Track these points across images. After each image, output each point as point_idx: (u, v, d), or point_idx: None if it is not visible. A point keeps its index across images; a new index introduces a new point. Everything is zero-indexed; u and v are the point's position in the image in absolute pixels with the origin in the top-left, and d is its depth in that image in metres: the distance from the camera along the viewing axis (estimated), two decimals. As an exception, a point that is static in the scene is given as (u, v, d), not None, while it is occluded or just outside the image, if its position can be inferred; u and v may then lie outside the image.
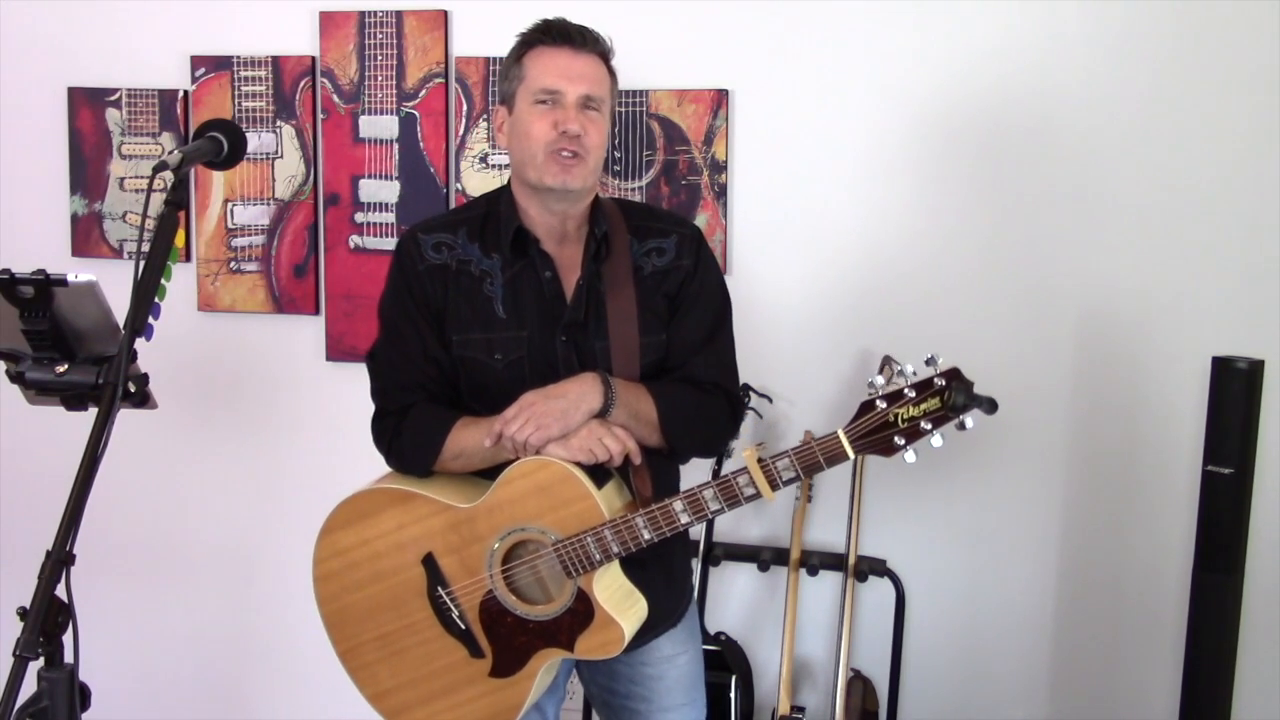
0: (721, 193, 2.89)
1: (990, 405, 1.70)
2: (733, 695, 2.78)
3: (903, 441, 1.73)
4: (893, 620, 2.89)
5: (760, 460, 1.78)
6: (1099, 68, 2.69)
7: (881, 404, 1.72)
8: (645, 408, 1.88)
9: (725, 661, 2.84)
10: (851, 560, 2.78)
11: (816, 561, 2.85)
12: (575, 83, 1.86)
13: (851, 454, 1.74)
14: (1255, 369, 2.33)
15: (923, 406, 1.71)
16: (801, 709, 2.82)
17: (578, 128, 1.85)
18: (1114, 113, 2.70)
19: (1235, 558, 2.36)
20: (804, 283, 2.89)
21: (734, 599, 3.01)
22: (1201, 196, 2.67)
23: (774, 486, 1.78)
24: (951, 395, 1.70)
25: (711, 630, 2.94)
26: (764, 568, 2.89)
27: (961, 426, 1.73)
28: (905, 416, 1.72)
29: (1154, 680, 2.76)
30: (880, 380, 1.74)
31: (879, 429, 1.73)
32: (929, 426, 1.72)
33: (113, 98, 3.20)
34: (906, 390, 1.72)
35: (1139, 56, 2.67)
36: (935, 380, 1.71)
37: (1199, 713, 2.39)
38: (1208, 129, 2.65)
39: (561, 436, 1.81)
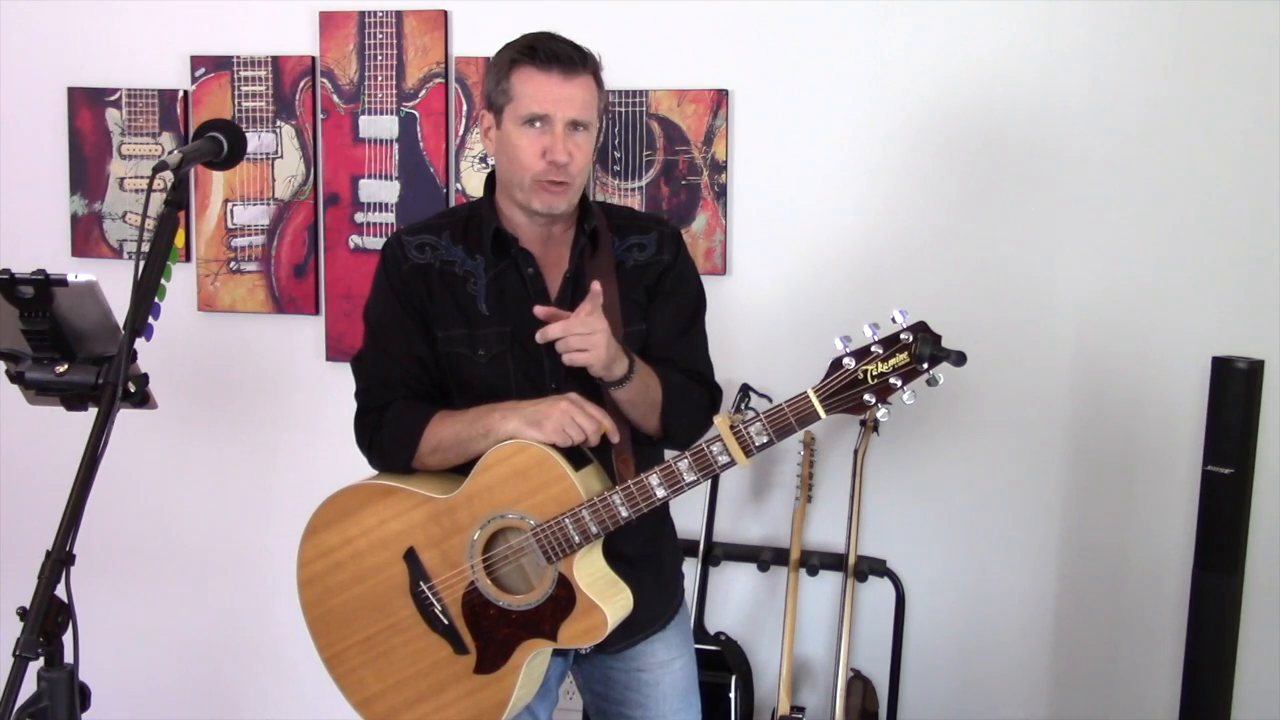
0: (721, 193, 2.89)
1: (959, 358, 1.67)
2: (733, 695, 2.78)
3: (873, 399, 1.71)
4: (893, 620, 2.89)
5: (733, 426, 1.77)
6: (1099, 66, 2.69)
7: (850, 361, 1.71)
8: (654, 388, 1.90)
9: (725, 661, 2.84)
10: (851, 560, 2.78)
11: (816, 561, 2.85)
12: (564, 107, 1.85)
13: (822, 413, 1.73)
14: (1255, 369, 2.33)
15: (891, 362, 1.70)
16: (801, 709, 2.82)
17: (565, 156, 1.85)
18: (1114, 112, 2.70)
19: (1235, 558, 2.36)
20: (803, 283, 2.89)
21: (734, 599, 3.01)
22: (1201, 197, 2.67)
23: (747, 452, 1.77)
24: (917, 347, 1.68)
25: (711, 630, 2.94)
26: (764, 568, 2.89)
27: (932, 382, 1.71)
28: (874, 373, 1.70)
29: (1154, 680, 2.76)
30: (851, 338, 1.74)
31: (848, 386, 1.72)
32: (898, 383, 1.70)
33: (113, 98, 3.20)
34: (874, 346, 1.70)
35: (1139, 56, 2.67)
36: (901, 335, 1.69)
37: (1199, 713, 2.39)
38: (1208, 129, 2.65)
39: (594, 360, 1.79)
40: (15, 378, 1.69)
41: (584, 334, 1.79)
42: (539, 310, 1.84)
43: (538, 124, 1.86)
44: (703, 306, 2.06)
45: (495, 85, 1.90)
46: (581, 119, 1.88)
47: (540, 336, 1.82)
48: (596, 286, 1.84)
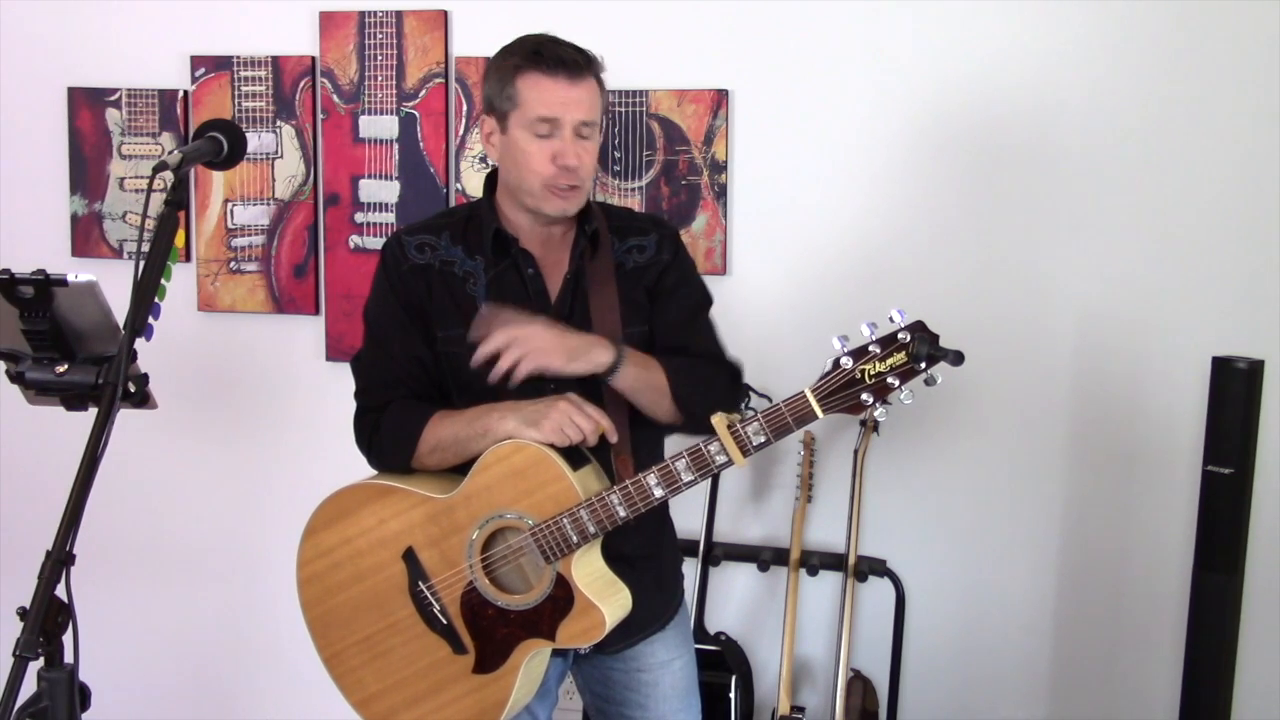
0: (721, 193, 2.89)
1: (956, 357, 1.67)
2: (733, 695, 2.78)
3: (870, 399, 1.71)
4: (893, 620, 2.89)
5: (730, 426, 1.77)
6: (1099, 67, 2.69)
7: (847, 361, 1.71)
8: (655, 374, 1.89)
9: (725, 661, 2.84)
10: (851, 560, 2.78)
11: (816, 561, 2.85)
12: (572, 110, 1.86)
13: (819, 413, 1.73)
14: (1255, 369, 2.33)
15: (889, 362, 1.69)
16: (801, 709, 2.82)
17: (576, 160, 1.87)
18: (1114, 112, 2.70)
19: (1235, 558, 2.36)
20: (803, 283, 2.89)
21: (734, 599, 3.01)
22: (1201, 197, 2.67)
23: (745, 452, 1.77)
24: (915, 347, 1.68)
25: (711, 630, 2.94)
26: (764, 568, 2.89)
27: (930, 381, 1.71)
28: (872, 373, 1.70)
29: (1154, 680, 2.76)
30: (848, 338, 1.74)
31: (846, 386, 1.72)
32: (895, 382, 1.70)
33: (113, 98, 3.20)
34: (871, 346, 1.70)
35: (1139, 56, 2.67)
36: (899, 334, 1.69)
37: (1199, 713, 2.39)
38: (1207, 129, 2.65)
39: (559, 362, 1.80)
40: (15, 378, 1.69)
41: (514, 339, 1.80)
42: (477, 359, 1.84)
43: (546, 129, 1.86)
44: (708, 300, 2.06)
45: (499, 91, 1.89)
46: (589, 120, 1.89)
47: (475, 360, 1.82)
48: (483, 309, 1.85)
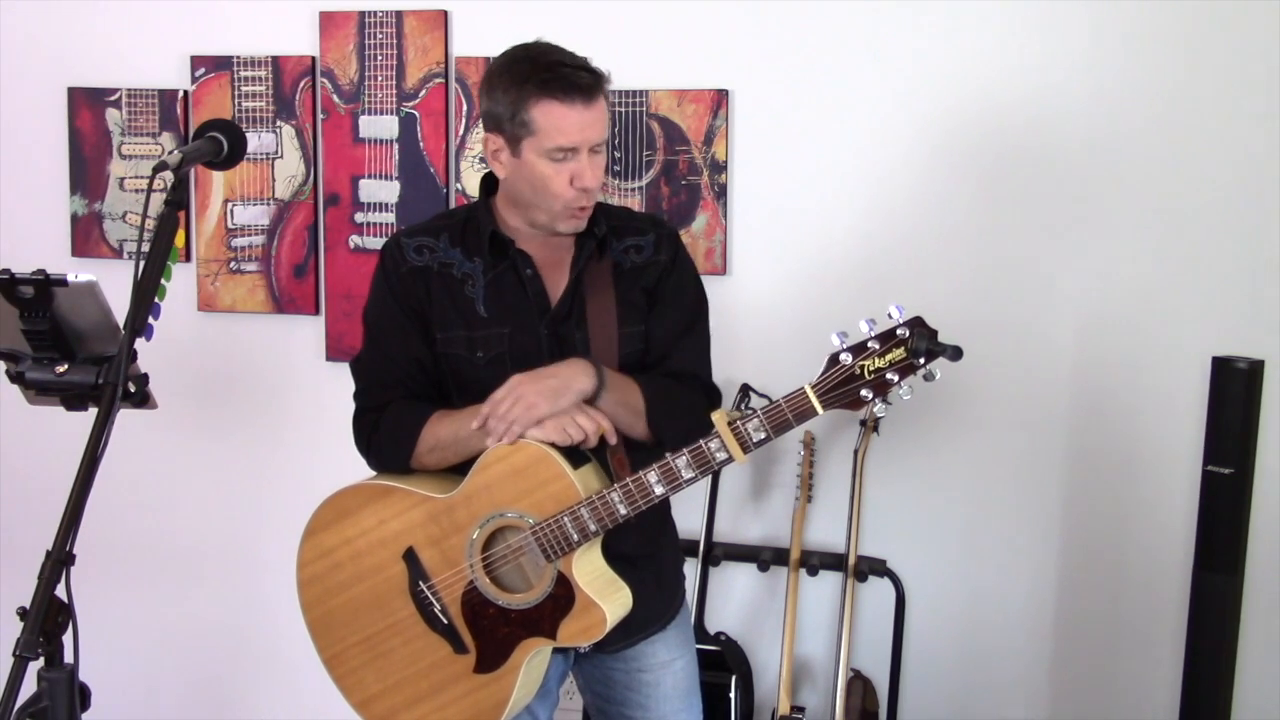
0: (721, 193, 2.89)
1: (955, 352, 1.68)
2: (732, 695, 2.78)
3: (870, 394, 1.72)
4: (893, 620, 2.89)
5: (731, 423, 1.78)
6: (1100, 67, 2.69)
7: (847, 357, 1.72)
8: (633, 395, 1.89)
9: (725, 662, 2.84)
10: (851, 560, 2.78)
11: (816, 561, 2.85)
12: (588, 134, 1.86)
13: (820, 409, 1.74)
14: (1255, 369, 2.34)
15: (888, 357, 1.71)
16: (801, 709, 2.82)
17: (594, 182, 1.88)
18: (1115, 113, 2.70)
19: (1235, 558, 2.36)
20: (804, 283, 2.89)
21: (734, 599, 3.01)
22: (1202, 197, 2.67)
23: (745, 449, 1.78)
24: (914, 342, 1.69)
25: (711, 630, 2.94)
26: (764, 568, 2.89)
27: (929, 377, 1.72)
28: (871, 368, 1.71)
29: (1154, 680, 2.76)
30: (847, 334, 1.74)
31: (845, 382, 1.73)
32: (895, 378, 1.71)
33: (113, 98, 3.20)
34: (870, 342, 1.71)
35: (1140, 57, 2.67)
36: (898, 330, 1.70)
37: (1199, 713, 2.39)
38: (1208, 129, 2.65)
39: (550, 417, 1.81)
40: (15, 378, 1.69)
41: (509, 405, 1.81)
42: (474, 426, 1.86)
43: (563, 155, 1.85)
44: (703, 309, 2.06)
45: (510, 115, 1.86)
46: (602, 140, 1.89)
47: (478, 422, 1.85)
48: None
